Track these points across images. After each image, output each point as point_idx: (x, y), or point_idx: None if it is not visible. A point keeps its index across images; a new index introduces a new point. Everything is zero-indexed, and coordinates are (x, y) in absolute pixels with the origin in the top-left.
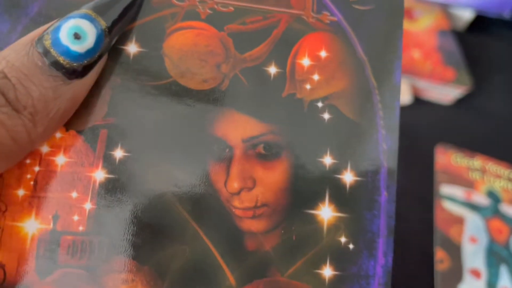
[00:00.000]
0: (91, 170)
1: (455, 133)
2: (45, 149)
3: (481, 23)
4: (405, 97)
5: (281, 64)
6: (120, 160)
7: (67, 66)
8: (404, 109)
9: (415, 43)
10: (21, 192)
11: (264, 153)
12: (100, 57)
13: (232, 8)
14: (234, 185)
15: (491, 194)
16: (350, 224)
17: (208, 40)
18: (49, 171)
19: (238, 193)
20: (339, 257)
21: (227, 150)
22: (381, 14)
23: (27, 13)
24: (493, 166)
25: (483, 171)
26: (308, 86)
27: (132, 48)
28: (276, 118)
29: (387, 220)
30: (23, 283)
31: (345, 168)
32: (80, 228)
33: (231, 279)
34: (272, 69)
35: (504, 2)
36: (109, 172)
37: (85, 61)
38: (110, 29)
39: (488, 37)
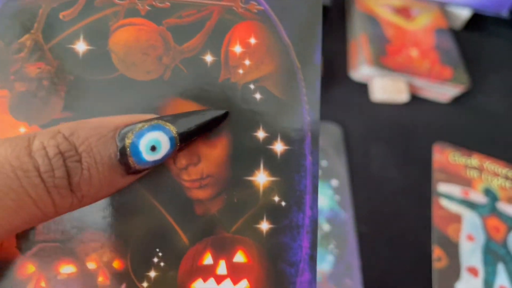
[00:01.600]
0: None
1: (452, 132)
2: None
3: (478, 21)
4: (403, 96)
5: (216, 53)
6: None
7: (132, 166)
8: (401, 108)
9: (413, 42)
10: None
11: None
12: (158, 165)
13: (168, 4)
14: (182, 161)
15: (489, 192)
16: (282, 185)
17: (148, 35)
18: None
19: (186, 168)
20: (274, 213)
21: None
22: (302, 3)
23: None
24: (490, 165)
25: (480, 169)
26: (240, 71)
27: (80, 46)
28: (214, 101)
29: (312, 180)
30: (6, 259)
31: (276, 140)
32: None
33: (184, 239)
34: (208, 58)
35: (502, 1)
36: None
37: (148, 167)
38: (180, 147)
39: (485, 36)
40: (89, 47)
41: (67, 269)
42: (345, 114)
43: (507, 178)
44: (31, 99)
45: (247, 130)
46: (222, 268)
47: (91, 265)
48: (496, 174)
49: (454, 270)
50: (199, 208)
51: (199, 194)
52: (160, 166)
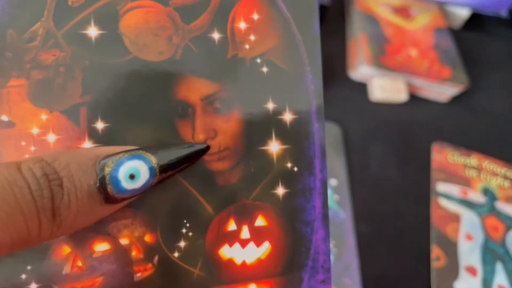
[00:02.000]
0: (79, 142)
1: (451, 131)
2: (35, 131)
3: (477, 21)
4: (402, 95)
5: (222, 30)
6: (102, 131)
7: (111, 194)
8: (401, 107)
9: (412, 41)
10: None
11: (220, 107)
12: (138, 194)
13: None
14: (200, 136)
15: (487, 192)
16: (293, 152)
17: (157, 16)
18: (43, 149)
19: (205, 142)
20: (288, 178)
21: (189, 109)
22: None
23: None
24: (489, 164)
25: (479, 169)
26: (247, 46)
27: (92, 31)
28: (225, 77)
29: (320, 145)
30: (43, 243)
31: (284, 110)
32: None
33: (209, 209)
34: (216, 35)
35: (501, 1)
36: (95, 142)
37: (126, 195)
38: (160, 178)
39: (484, 35)
40: (100, 32)
41: (101, 246)
42: (344, 114)
43: (505, 177)
44: (49, 86)
45: (257, 102)
46: (245, 233)
47: (124, 241)
48: (494, 174)
49: (452, 270)
50: (220, 179)
51: (219, 166)
52: (178, 141)
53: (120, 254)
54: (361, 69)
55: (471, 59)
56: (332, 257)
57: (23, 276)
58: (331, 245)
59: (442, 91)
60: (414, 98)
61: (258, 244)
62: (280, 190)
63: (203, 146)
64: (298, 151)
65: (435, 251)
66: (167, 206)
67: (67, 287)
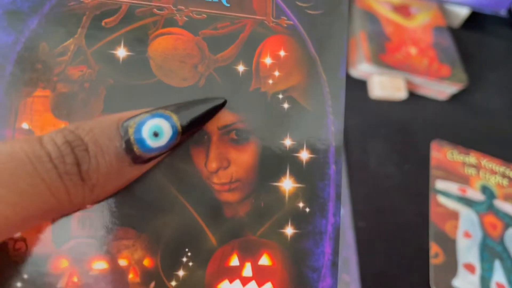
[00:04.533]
0: None
1: (450, 129)
2: None
3: (476, 20)
4: (401, 93)
5: (248, 63)
6: None
7: (138, 154)
8: (399, 105)
9: (412, 39)
10: None
11: (236, 138)
12: (165, 152)
13: (205, 16)
14: (213, 165)
15: (486, 190)
16: (306, 192)
17: (185, 44)
18: None
19: (216, 172)
20: (298, 219)
21: (206, 136)
22: (329, 18)
23: (28, 25)
24: (487, 163)
25: (477, 167)
26: (270, 81)
27: (121, 52)
28: (245, 109)
29: (336, 188)
30: (42, 252)
31: (302, 148)
32: (88, 206)
33: (213, 240)
34: (241, 68)
35: (501, 0)
36: None
37: (153, 154)
38: (184, 132)
39: (483, 34)
40: (129, 53)
41: (100, 265)
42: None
43: (504, 176)
44: (72, 100)
45: (275, 137)
46: (247, 270)
47: (122, 262)
48: (493, 172)
49: (451, 267)
50: (228, 210)
51: (228, 197)
52: (191, 169)
53: (117, 275)
54: (360, 67)
55: (470, 57)
56: None
57: (19, 284)
58: None
59: (441, 89)
60: (413, 96)
61: (260, 284)
62: (289, 230)
63: (221, 101)
64: (312, 191)
65: (434, 248)
66: (171, 231)
67: None
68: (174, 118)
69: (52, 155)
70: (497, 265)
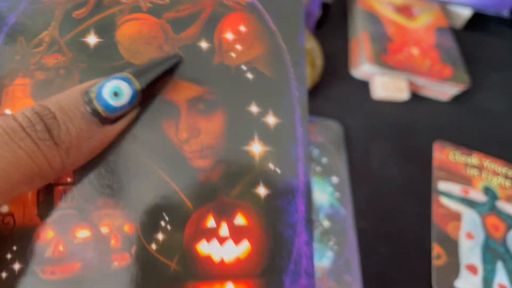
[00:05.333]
0: None
1: (452, 130)
2: None
3: (479, 21)
4: (403, 94)
5: (210, 40)
6: None
7: (103, 115)
8: (402, 105)
9: (414, 40)
10: None
11: (204, 108)
12: (128, 110)
13: (167, 1)
14: (184, 134)
15: (488, 191)
16: (276, 154)
17: (150, 27)
18: None
19: (187, 140)
20: (270, 180)
21: (175, 109)
22: None
23: (6, 22)
24: (490, 164)
25: (480, 168)
26: (233, 55)
27: (91, 39)
28: (210, 82)
29: (304, 149)
30: (28, 226)
31: (268, 113)
32: (68, 179)
33: (188, 204)
34: (203, 44)
35: (504, 1)
36: None
37: (118, 113)
38: (143, 90)
39: (486, 35)
40: (99, 40)
41: (83, 233)
42: (346, 111)
43: (506, 177)
44: (49, 86)
45: (241, 105)
46: (224, 230)
47: (104, 230)
48: (495, 173)
49: (453, 268)
50: (201, 176)
51: (201, 163)
52: (163, 140)
53: (100, 242)
54: (363, 67)
55: (472, 58)
56: (332, 254)
57: (9, 256)
58: (331, 243)
59: (444, 90)
60: (415, 97)
61: (237, 242)
62: (262, 191)
63: (178, 59)
64: (281, 153)
65: (436, 249)
66: (148, 199)
67: (47, 269)
68: (131, 78)
69: (24, 124)
70: (500, 266)
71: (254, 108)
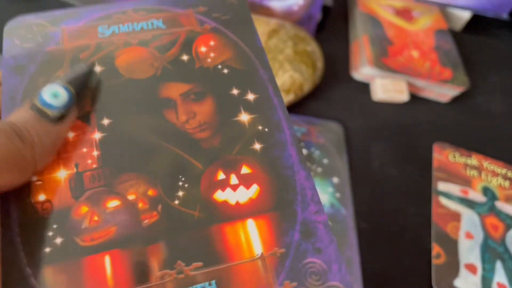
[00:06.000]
0: (91, 134)
1: (452, 131)
2: None
3: (478, 23)
4: (403, 96)
5: (189, 54)
6: (108, 125)
7: (49, 113)
8: (402, 107)
9: (414, 43)
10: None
11: (195, 98)
12: (70, 109)
13: (150, 35)
14: (183, 117)
15: (488, 191)
16: (260, 118)
17: (141, 54)
18: (65, 143)
19: (187, 121)
20: (261, 137)
21: (172, 102)
22: (237, 16)
23: (29, 71)
24: (489, 165)
25: (479, 169)
26: (209, 60)
27: (97, 69)
28: (195, 79)
29: (283, 112)
30: (65, 206)
31: (247, 92)
32: (94, 166)
33: (198, 165)
34: (185, 57)
35: (503, 3)
36: (102, 132)
37: (62, 111)
38: (77, 93)
39: (485, 37)
40: (102, 68)
41: (113, 203)
42: (346, 113)
43: (505, 177)
44: None
45: (224, 90)
46: (234, 180)
47: (131, 197)
48: (495, 174)
49: (452, 267)
50: (204, 144)
51: (201, 135)
52: (167, 124)
53: (129, 207)
54: (363, 70)
55: (471, 60)
56: None
57: (50, 233)
58: None
59: (443, 92)
60: (415, 98)
61: (247, 187)
62: (257, 146)
63: (90, 67)
64: (265, 117)
65: (436, 249)
66: (163, 167)
67: (86, 237)
68: (62, 81)
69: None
70: (499, 265)
71: (235, 91)
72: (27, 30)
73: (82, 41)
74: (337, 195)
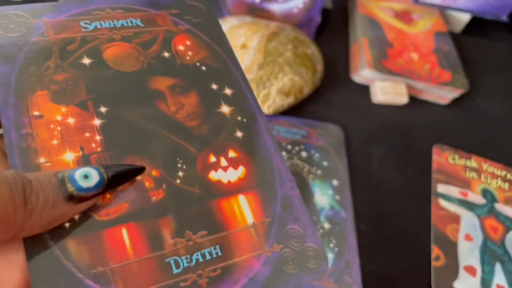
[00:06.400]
0: (91, 121)
1: (451, 133)
2: (59, 118)
3: (477, 25)
4: (403, 98)
5: (169, 52)
6: (106, 112)
7: (70, 190)
8: (402, 109)
9: (413, 45)
10: (55, 142)
11: (180, 91)
12: (93, 196)
13: (131, 32)
14: (173, 108)
15: (487, 193)
16: (239, 110)
17: (126, 49)
18: (66, 127)
19: (177, 111)
20: (241, 125)
21: (161, 94)
22: (207, 21)
23: (18, 59)
24: (489, 167)
25: (479, 171)
26: (188, 58)
27: (86, 61)
28: (179, 74)
29: (256, 104)
30: None
31: (224, 88)
32: (98, 149)
33: (193, 150)
34: (166, 54)
35: (503, 6)
36: (102, 119)
37: (83, 194)
38: (109, 181)
39: (484, 39)
40: (91, 60)
41: None
42: (346, 115)
43: (505, 180)
44: (64, 92)
45: (205, 86)
46: (223, 162)
47: (137, 177)
48: (494, 176)
49: (452, 269)
50: (195, 130)
51: (191, 123)
52: (159, 112)
53: (137, 186)
54: (363, 72)
55: (471, 62)
56: (333, 255)
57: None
58: (331, 245)
59: (443, 94)
60: (415, 101)
61: (235, 168)
62: (239, 133)
63: (140, 166)
64: (242, 109)
65: (435, 251)
66: (162, 151)
67: (102, 213)
68: (101, 169)
69: (7, 175)
70: (498, 267)
71: (214, 86)
72: (8, 21)
73: (67, 34)
74: (337, 197)
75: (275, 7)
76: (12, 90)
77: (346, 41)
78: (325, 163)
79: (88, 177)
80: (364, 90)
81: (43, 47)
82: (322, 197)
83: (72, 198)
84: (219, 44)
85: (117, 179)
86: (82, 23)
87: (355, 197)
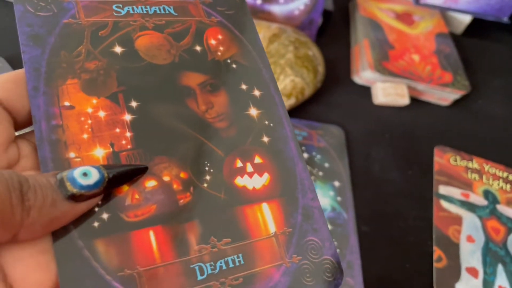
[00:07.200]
0: (121, 115)
1: (453, 135)
2: (90, 110)
3: (478, 26)
4: (404, 99)
5: (201, 45)
6: (136, 107)
7: (69, 188)
8: (403, 111)
9: (414, 47)
10: (85, 136)
11: (211, 89)
12: (94, 195)
13: (164, 21)
14: (203, 107)
15: (489, 195)
16: (266, 114)
17: (158, 39)
18: (97, 121)
19: (206, 110)
20: (268, 130)
21: (192, 91)
22: (239, 13)
23: (48, 42)
24: (490, 168)
25: (481, 172)
26: (219, 53)
27: (117, 49)
28: (209, 71)
29: (283, 109)
30: None
31: (253, 89)
32: (128, 146)
33: (220, 153)
34: (198, 48)
35: (504, 7)
36: (132, 114)
37: (83, 192)
38: (110, 181)
39: (485, 41)
40: (123, 49)
41: (150, 183)
42: (347, 117)
43: (507, 181)
44: (95, 82)
45: (235, 85)
46: (249, 168)
47: (166, 178)
48: (496, 177)
49: (454, 270)
50: (223, 133)
51: (220, 125)
52: (190, 112)
53: (165, 187)
54: (364, 74)
55: (472, 64)
56: None
57: (96, 209)
58: None
59: (444, 95)
60: (416, 102)
61: (260, 175)
62: (265, 138)
63: (143, 166)
64: (270, 113)
65: (437, 252)
66: (191, 153)
67: (130, 214)
68: (101, 167)
69: (5, 174)
70: (500, 269)
71: (243, 86)
72: None
73: (99, 17)
74: (338, 198)
75: (276, 9)
76: (43, 77)
77: (347, 43)
78: (326, 165)
79: (87, 175)
80: (365, 91)
81: (74, 30)
82: (324, 198)
83: (71, 197)
84: (250, 40)
85: (119, 178)
86: (114, 7)
87: (357, 198)
